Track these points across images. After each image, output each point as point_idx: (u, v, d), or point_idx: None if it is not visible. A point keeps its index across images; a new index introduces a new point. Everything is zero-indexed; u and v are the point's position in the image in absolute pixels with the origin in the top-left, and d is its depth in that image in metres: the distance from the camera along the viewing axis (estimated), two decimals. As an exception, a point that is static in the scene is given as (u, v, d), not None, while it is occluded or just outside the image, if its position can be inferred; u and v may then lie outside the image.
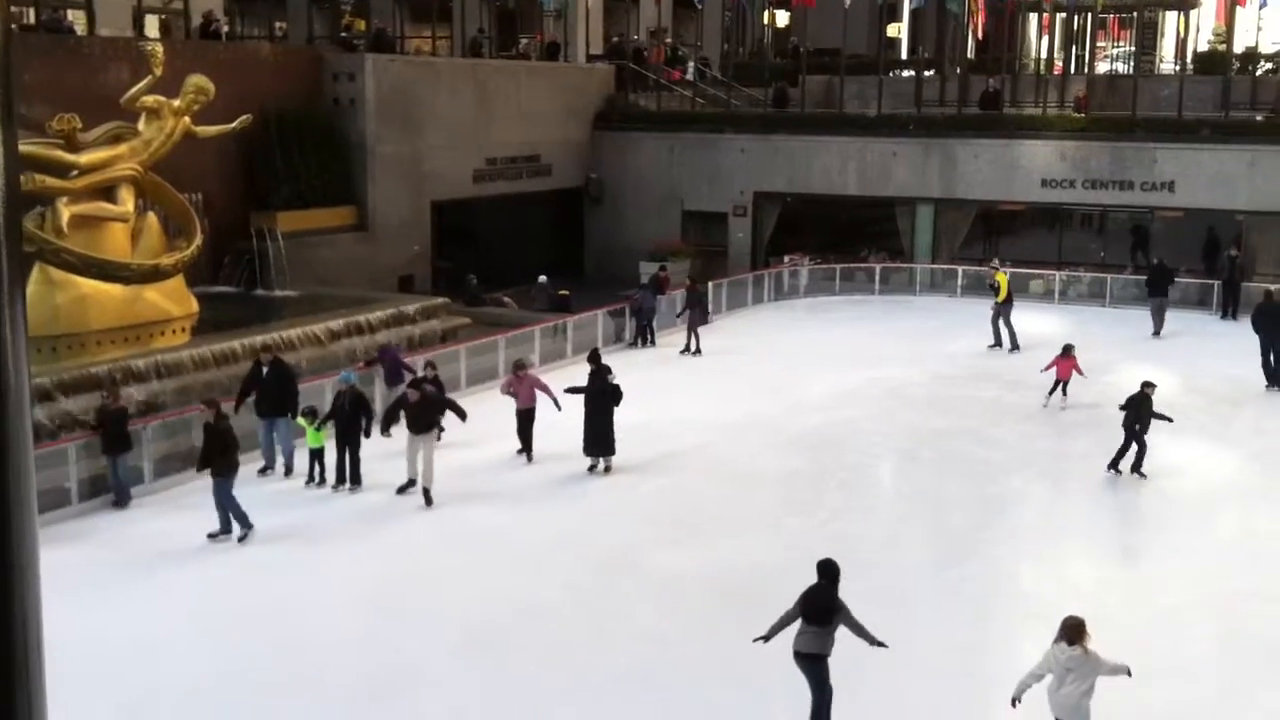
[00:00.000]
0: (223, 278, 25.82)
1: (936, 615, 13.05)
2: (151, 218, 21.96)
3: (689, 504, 16.63)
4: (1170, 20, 41.00)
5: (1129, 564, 14.67)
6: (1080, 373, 20.75)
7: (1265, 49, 39.59)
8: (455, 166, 31.04)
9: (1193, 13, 37.53)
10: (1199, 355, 24.40)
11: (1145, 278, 28.44)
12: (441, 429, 17.49)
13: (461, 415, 17.42)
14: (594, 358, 18.49)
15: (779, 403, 21.55)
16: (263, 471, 17.40)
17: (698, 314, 26.03)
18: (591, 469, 17.58)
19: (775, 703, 11.20)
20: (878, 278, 32.42)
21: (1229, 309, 28.47)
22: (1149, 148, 30.61)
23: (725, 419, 20.55)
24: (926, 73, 38.70)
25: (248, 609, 13.11)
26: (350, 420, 16.73)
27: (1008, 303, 25.49)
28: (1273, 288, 24.76)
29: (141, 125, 21.33)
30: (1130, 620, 12.95)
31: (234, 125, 22.95)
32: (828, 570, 10.57)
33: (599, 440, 17.52)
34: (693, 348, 25.68)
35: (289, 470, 17.48)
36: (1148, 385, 17.66)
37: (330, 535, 15.25)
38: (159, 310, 21.14)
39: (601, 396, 17.49)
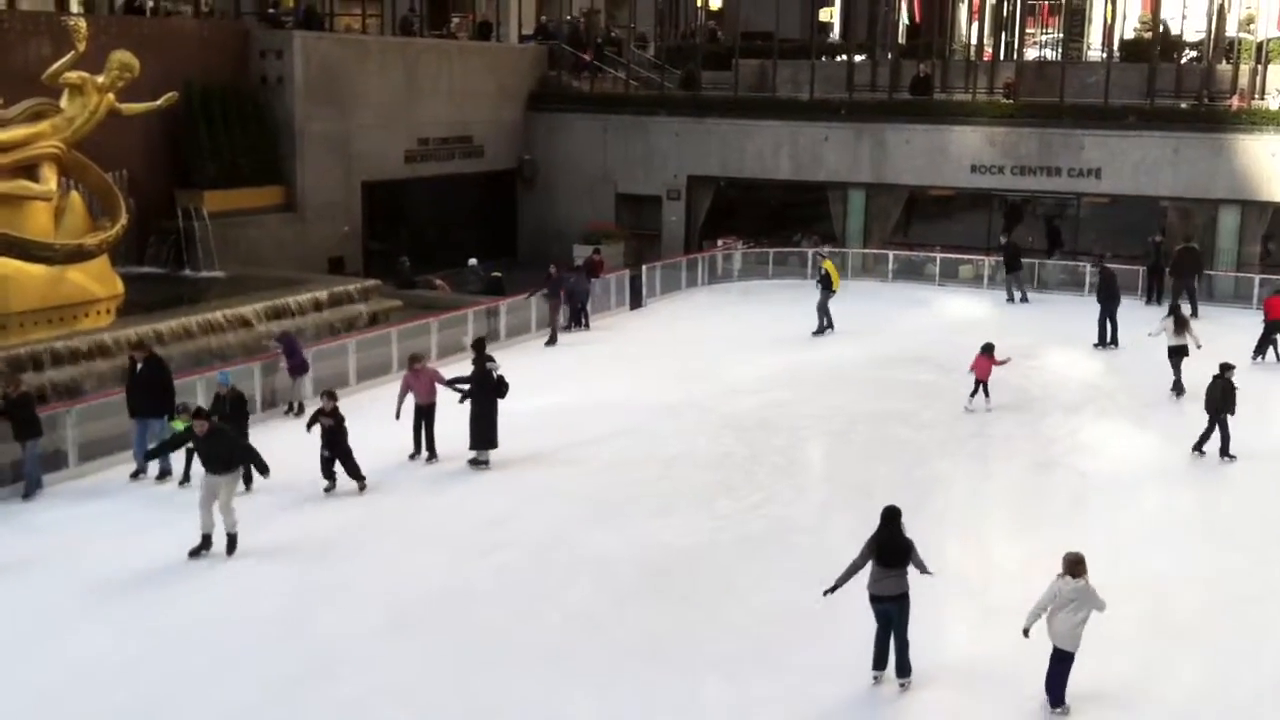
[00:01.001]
0: (148, 258, 25.43)
1: (861, 595, 13.15)
2: (75, 196, 21.54)
3: (621, 485, 16.64)
4: (1098, 7, 41.45)
5: (1052, 544, 14.80)
6: (999, 364, 20.27)
7: (1190, 37, 40.21)
8: (386, 146, 30.75)
9: (1120, 0, 37.95)
10: (1123, 339, 24.76)
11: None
12: (330, 481, 15.93)
13: (263, 470, 14.14)
14: (478, 346, 17.57)
15: (712, 385, 21.63)
16: (135, 476, 16.35)
17: (558, 303, 25.03)
18: (472, 463, 16.94)
19: (705, 681, 11.27)
20: (810, 262, 32.59)
21: (1153, 294, 29.00)
22: (1076, 134, 31.04)
23: (658, 401, 20.59)
24: (858, 57, 38.84)
25: (162, 594, 12.94)
26: (232, 423, 15.40)
27: (831, 293, 25.97)
28: (1111, 265, 26.15)
29: (64, 102, 20.90)
30: (1054, 599, 13.16)
31: (159, 103, 22.57)
32: (895, 515, 11.40)
33: (481, 434, 16.81)
34: (552, 337, 24.83)
35: (165, 474, 16.24)
36: (1226, 368, 17.78)
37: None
38: (83, 291, 20.75)
39: (484, 388, 16.80)
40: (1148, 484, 17.33)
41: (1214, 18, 35.19)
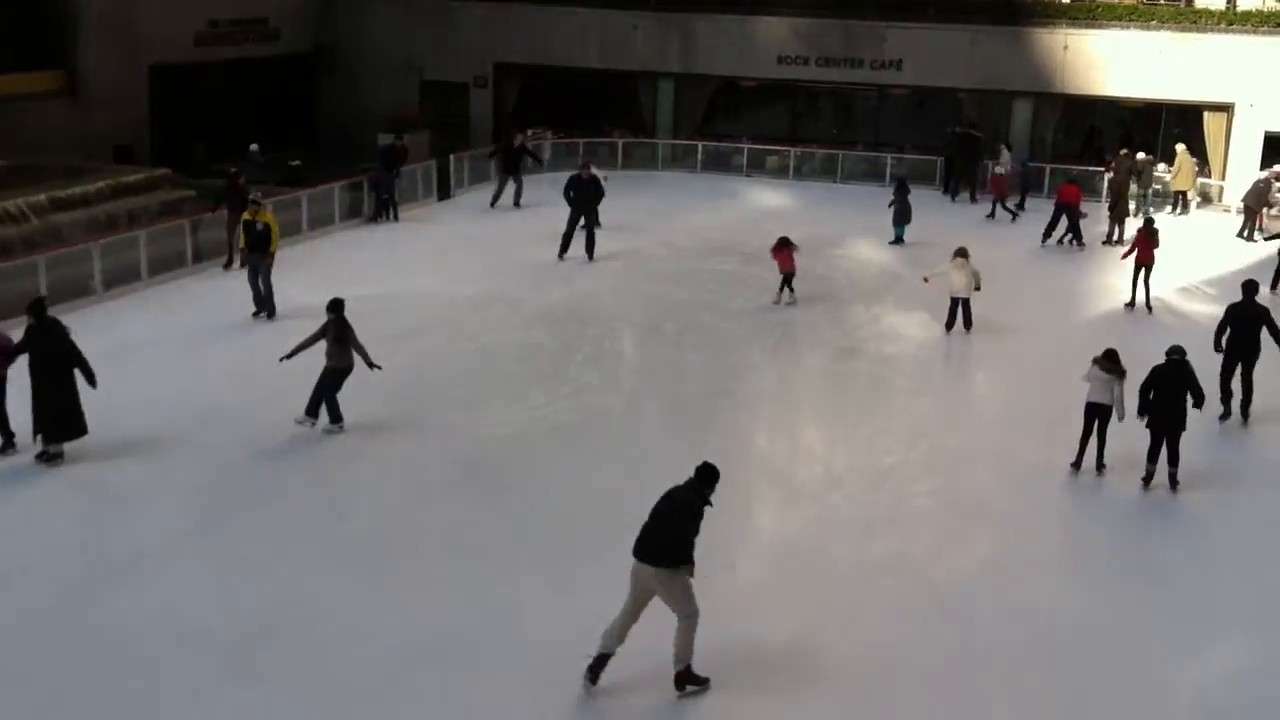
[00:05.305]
0: (-88, 147, 23.61)
1: (677, 479, 13.31)
2: None
3: (431, 379, 16.44)
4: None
5: (855, 427, 15.37)
6: (796, 255, 20.24)
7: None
8: (173, 28, 29.12)
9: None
10: (918, 229, 25.48)
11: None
12: None
13: None
14: (35, 309, 13.27)
15: (521, 277, 21.46)
16: None
17: (237, 216, 19.86)
18: (42, 457, 13.10)
19: (522, 570, 11.31)
20: (620, 152, 32.47)
21: (949, 184, 29.90)
22: (879, 26, 31.45)
23: (467, 294, 20.35)
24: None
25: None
26: None
27: (270, 257, 18.75)
28: (599, 171, 24.36)
29: None
30: (856, 479, 13.64)
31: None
32: (340, 305, 14.21)
33: (58, 418, 13.01)
34: (229, 259, 20.73)
35: None
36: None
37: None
38: None
39: (54, 359, 13.02)
40: (946, 368, 18.03)
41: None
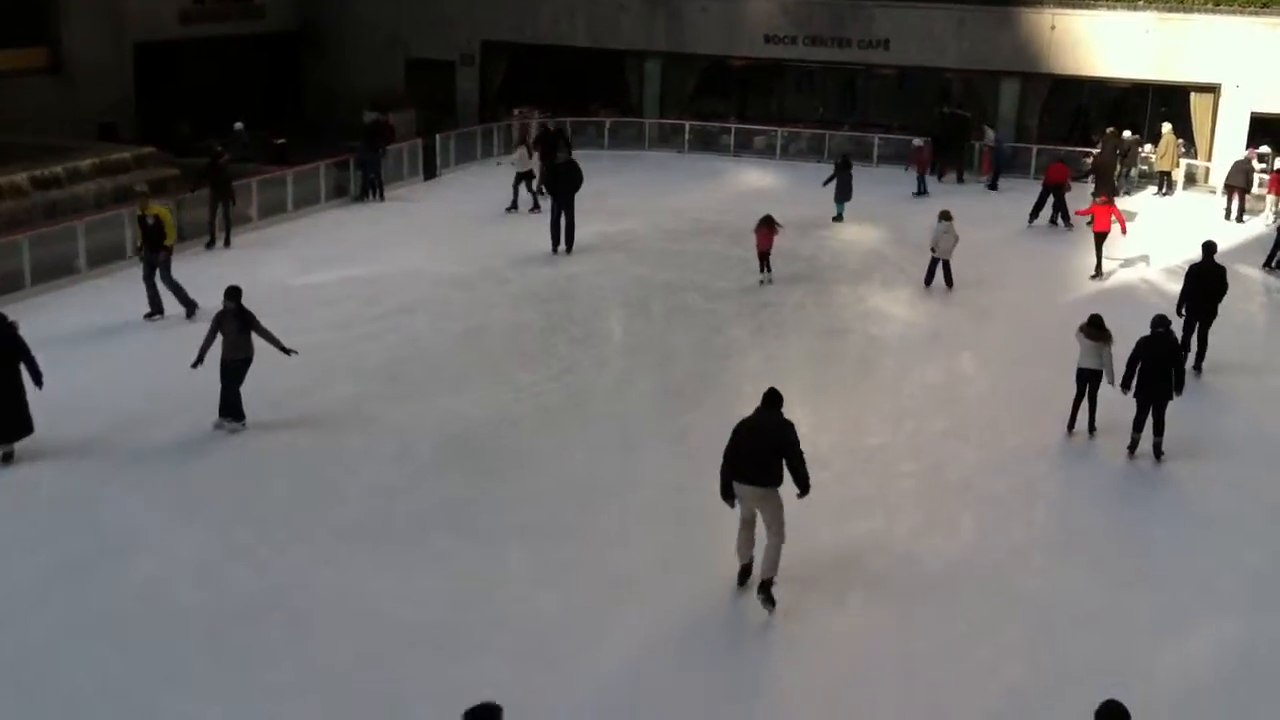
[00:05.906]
0: (-104, 124, 23.50)
1: (663, 460, 13.42)
2: None
3: (418, 358, 16.43)
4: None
5: (840, 407, 15.40)
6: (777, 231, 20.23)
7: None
8: (158, 5, 28.99)
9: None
10: (911, 210, 25.52)
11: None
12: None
13: None
14: None
15: (507, 257, 21.42)
16: None
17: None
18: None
19: (507, 548, 11.33)
20: (607, 132, 32.39)
21: (936, 165, 29.85)
22: (866, 5, 31.40)
23: (454, 273, 20.32)
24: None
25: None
26: None
27: (168, 252, 17.23)
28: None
29: None
30: (841, 460, 13.65)
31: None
32: (237, 292, 13.31)
33: (6, 416, 12.41)
34: (211, 239, 20.71)
35: None
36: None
37: None
38: None
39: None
40: (931, 349, 18.03)
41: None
